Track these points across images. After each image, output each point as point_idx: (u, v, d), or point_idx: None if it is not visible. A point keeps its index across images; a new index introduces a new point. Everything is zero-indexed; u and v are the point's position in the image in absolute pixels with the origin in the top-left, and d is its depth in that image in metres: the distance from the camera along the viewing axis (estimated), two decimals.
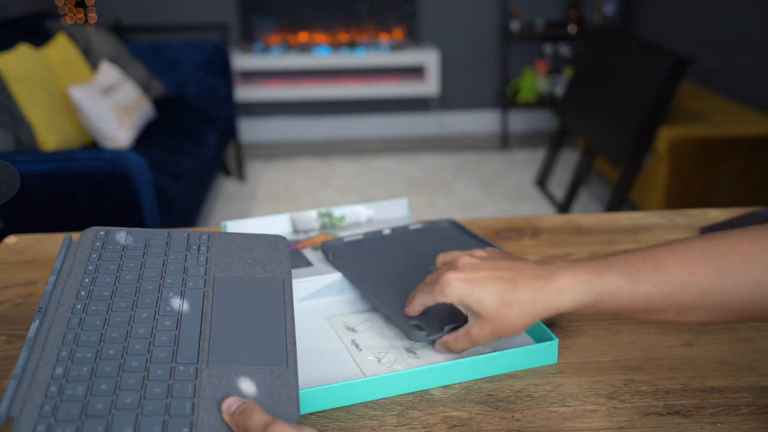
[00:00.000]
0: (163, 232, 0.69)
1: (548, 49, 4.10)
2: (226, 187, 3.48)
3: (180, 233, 0.69)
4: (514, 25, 3.94)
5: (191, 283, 0.63)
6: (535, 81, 3.99)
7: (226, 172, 3.58)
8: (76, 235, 0.76)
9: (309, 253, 0.85)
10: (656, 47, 2.46)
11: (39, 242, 0.96)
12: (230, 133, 3.35)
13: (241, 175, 3.55)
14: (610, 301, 0.59)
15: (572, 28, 3.94)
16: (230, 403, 0.51)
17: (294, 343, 0.57)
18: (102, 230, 0.69)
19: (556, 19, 4.07)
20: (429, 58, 3.92)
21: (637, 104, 2.41)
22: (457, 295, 0.62)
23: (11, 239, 0.98)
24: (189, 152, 2.58)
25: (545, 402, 0.62)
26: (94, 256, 0.65)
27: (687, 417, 0.60)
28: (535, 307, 0.60)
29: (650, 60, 2.42)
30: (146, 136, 2.68)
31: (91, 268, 0.64)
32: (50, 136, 2.28)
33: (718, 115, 2.78)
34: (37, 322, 0.58)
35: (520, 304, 0.60)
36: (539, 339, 0.70)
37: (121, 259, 0.65)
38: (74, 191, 1.91)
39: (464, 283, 0.61)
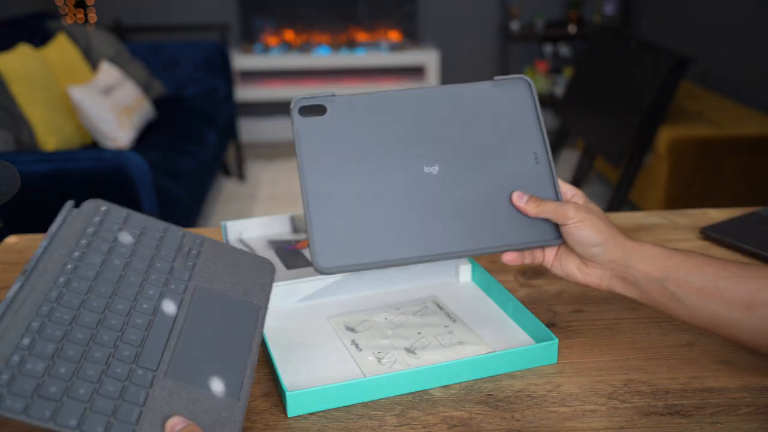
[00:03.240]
0: (160, 225, 0.68)
1: (548, 49, 4.10)
2: (226, 187, 3.48)
3: (177, 230, 0.68)
4: (514, 25, 3.94)
5: (173, 286, 0.62)
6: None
7: (226, 172, 3.58)
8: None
9: (309, 253, 0.85)
10: (656, 47, 2.46)
11: (39, 242, 0.96)
12: (230, 133, 3.35)
13: (241, 175, 3.55)
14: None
15: (572, 28, 3.94)
16: (175, 423, 0.51)
17: (251, 377, 0.57)
18: (104, 205, 0.68)
19: (556, 19, 4.07)
20: (429, 58, 3.92)
21: (637, 104, 2.41)
22: (577, 215, 0.63)
23: (11, 239, 0.98)
24: (189, 152, 2.58)
25: (545, 402, 0.62)
26: (90, 230, 0.64)
27: (687, 417, 0.60)
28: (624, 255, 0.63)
29: (650, 60, 2.42)
30: (146, 136, 2.68)
31: (84, 242, 0.62)
32: (50, 136, 2.28)
33: (718, 115, 2.78)
34: (19, 284, 0.56)
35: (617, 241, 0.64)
36: (539, 339, 0.70)
37: (114, 240, 0.64)
38: (74, 191, 1.91)
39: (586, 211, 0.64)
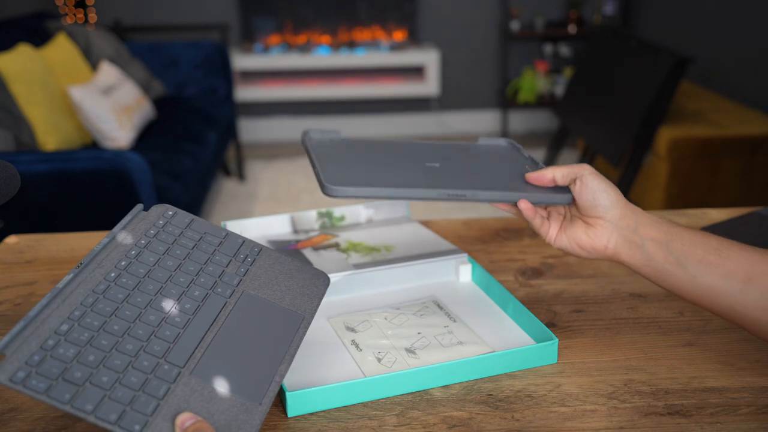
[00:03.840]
0: (221, 232, 0.71)
1: (548, 49, 4.10)
2: (226, 187, 3.48)
3: (236, 238, 0.70)
4: (514, 25, 3.94)
5: (219, 289, 0.64)
6: (535, 81, 3.99)
7: (226, 172, 3.58)
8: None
9: (309, 253, 0.85)
10: (656, 47, 2.46)
11: (39, 242, 0.96)
12: (230, 133, 3.35)
13: (241, 175, 3.55)
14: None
15: (572, 28, 3.94)
16: (185, 418, 0.51)
17: (279, 384, 0.57)
18: (171, 210, 0.71)
19: (556, 19, 4.07)
20: (429, 58, 3.92)
21: (637, 104, 2.41)
22: (592, 171, 0.65)
23: (11, 239, 0.98)
24: (189, 152, 2.58)
25: (545, 402, 0.62)
26: (152, 232, 0.67)
27: (687, 417, 0.60)
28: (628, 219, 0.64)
29: (650, 60, 2.42)
30: (146, 136, 2.68)
31: (143, 242, 0.66)
32: (50, 136, 2.28)
33: (718, 115, 2.78)
34: (71, 275, 0.60)
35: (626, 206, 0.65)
36: (539, 339, 0.70)
37: (172, 243, 0.67)
38: (74, 191, 1.91)
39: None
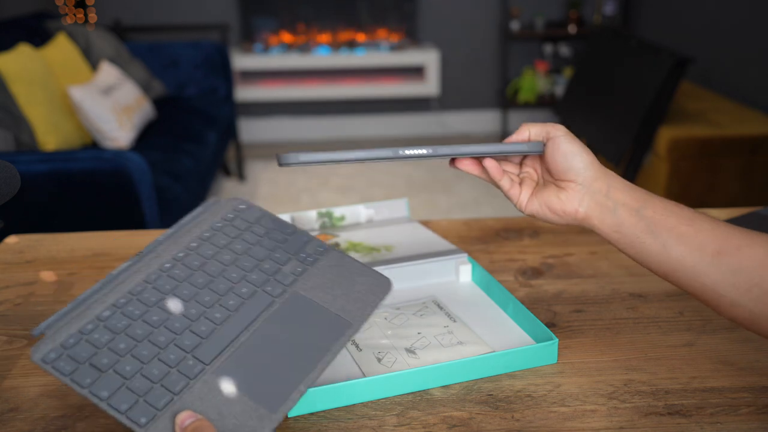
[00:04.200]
0: (289, 228, 0.68)
1: (548, 49, 4.10)
2: (226, 187, 3.48)
3: (302, 236, 0.68)
4: (514, 25, 3.94)
5: (269, 288, 0.62)
6: (535, 81, 3.99)
7: (226, 172, 3.58)
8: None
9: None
10: (656, 47, 2.46)
11: (39, 242, 0.96)
12: (230, 133, 3.35)
13: (241, 175, 3.55)
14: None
15: (572, 28, 3.94)
16: (184, 418, 0.50)
17: (302, 393, 0.54)
18: (243, 204, 0.70)
19: (556, 19, 4.07)
20: (429, 58, 3.92)
21: (637, 104, 2.41)
22: (565, 132, 0.64)
23: (11, 239, 0.98)
24: (189, 152, 2.58)
25: (545, 402, 0.62)
26: (218, 224, 0.67)
27: (687, 417, 0.60)
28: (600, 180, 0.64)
29: (650, 60, 2.42)
30: (146, 136, 2.68)
31: (207, 234, 0.65)
32: (50, 136, 2.28)
33: (718, 115, 2.78)
34: (129, 263, 0.61)
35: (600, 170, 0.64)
36: (539, 339, 0.70)
37: (235, 237, 0.66)
38: (74, 191, 1.91)
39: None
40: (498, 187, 0.68)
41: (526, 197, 0.67)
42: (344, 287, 0.64)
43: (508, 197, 0.68)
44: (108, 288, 0.59)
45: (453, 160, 0.66)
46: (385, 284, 0.65)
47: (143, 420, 0.49)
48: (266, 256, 0.65)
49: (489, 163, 0.66)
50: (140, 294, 0.58)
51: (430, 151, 0.62)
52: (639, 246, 0.62)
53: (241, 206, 0.69)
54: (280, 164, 0.60)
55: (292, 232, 0.68)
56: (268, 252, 0.65)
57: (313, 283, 0.63)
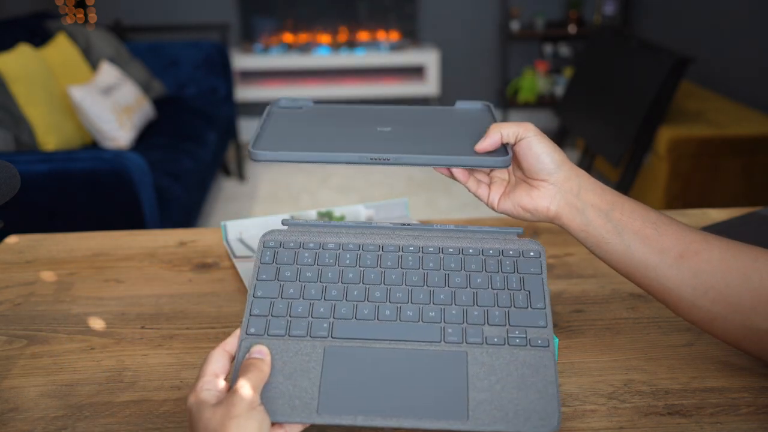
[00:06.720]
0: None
1: (548, 49, 4.10)
2: (226, 187, 3.48)
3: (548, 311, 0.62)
4: (514, 25, 3.94)
5: (471, 332, 0.59)
6: (535, 81, 3.99)
7: (226, 172, 3.58)
8: None
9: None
10: (656, 47, 2.46)
11: (39, 242, 0.96)
12: (230, 133, 3.35)
13: (241, 175, 3.55)
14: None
15: (572, 28, 3.94)
16: (259, 349, 0.56)
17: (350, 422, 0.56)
18: (534, 252, 0.65)
19: (556, 19, 4.07)
20: (429, 58, 3.92)
21: (637, 104, 2.41)
22: (536, 132, 0.65)
23: (11, 239, 0.98)
24: (189, 152, 2.58)
25: None
26: (490, 252, 0.66)
27: (687, 417, 0.60)
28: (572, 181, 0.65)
29: (650, 60, 2.42)
30: (146, 136, 2.68)
31: (471, 250, 0.66)
32: (50, 136, 2.28)
33: (718, 115, 2.78)
34: (400, 224, 0.66)
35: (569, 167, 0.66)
36: None
37: (492, 273, 0.64)
38: (74, 191, 1.91)
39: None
40: (466, 188, 0.70)
41: (496, 197, 0.68)
42: (509, 392, 0.56)
43: (476, 197, 0.69)
44: (361, 229, 0.65)
45: None
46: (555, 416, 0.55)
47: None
48: (511, 302, 0.61)
49: (458, 174, 0.68)
50: (383, 251, 0.64)
51: (393, 158, 0.65)
52: (605, 246, 0.64)
53: (531, 253, 0.65)
54: (251, 159, 0.64)
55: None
56: (510, 297, 0.62)
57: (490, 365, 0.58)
